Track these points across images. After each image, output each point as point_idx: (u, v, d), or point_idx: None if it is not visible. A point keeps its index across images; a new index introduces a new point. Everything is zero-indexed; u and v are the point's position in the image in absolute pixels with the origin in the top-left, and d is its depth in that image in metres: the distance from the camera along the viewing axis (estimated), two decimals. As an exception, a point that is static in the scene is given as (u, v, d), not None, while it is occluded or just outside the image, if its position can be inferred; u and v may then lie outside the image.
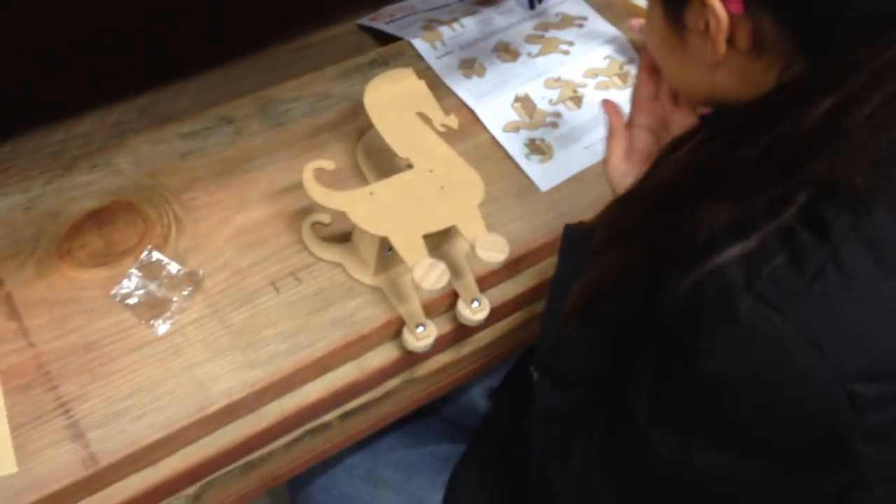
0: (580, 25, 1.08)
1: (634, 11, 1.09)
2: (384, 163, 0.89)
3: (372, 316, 0.80)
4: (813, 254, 0.50)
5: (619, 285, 0.62)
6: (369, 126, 0.87)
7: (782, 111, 0.51)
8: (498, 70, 1.01)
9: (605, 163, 0.76)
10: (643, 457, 0.59)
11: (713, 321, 0.52)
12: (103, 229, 0.82)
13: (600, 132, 0.97)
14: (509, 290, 0.88)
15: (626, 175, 0.73)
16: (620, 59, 1.05)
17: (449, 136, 0.85)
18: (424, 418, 1.03)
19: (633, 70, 1.04)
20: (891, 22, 0.48)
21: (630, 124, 0.76)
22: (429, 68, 1.00)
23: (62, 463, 0.68)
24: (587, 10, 1.09)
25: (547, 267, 0.90)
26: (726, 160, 0.54)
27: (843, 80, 0.49)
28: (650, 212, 0.59)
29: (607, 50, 1.06)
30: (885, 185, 0.51)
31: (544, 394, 0.74)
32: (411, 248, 0.75)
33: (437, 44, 1.03)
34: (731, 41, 0.55)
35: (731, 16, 0.53)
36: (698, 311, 0.52)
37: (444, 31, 1.04)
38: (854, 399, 0.49)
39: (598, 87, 1.01)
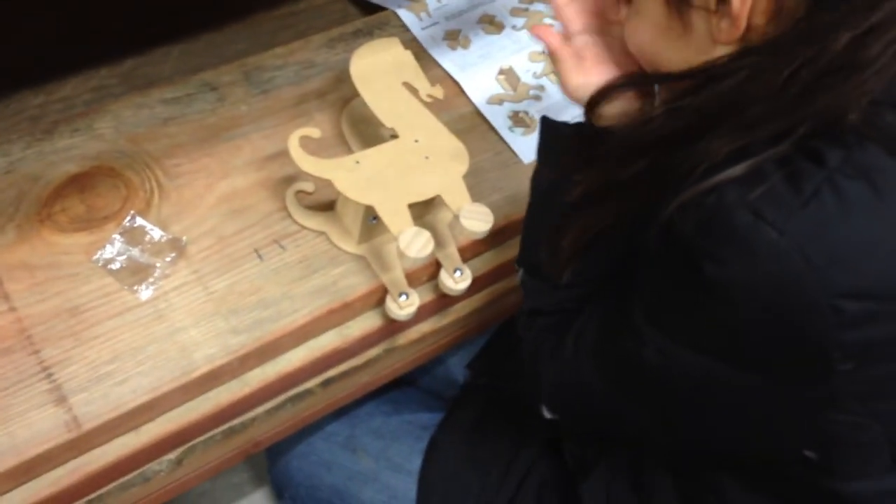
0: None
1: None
2: (369, 132, 0.89)
3: (355, 284, 0.80)
4: (809, 176, 0.51)
5: (616, 227, 0.63)
6: (354, 95, 0.87)
7: (799, 47, 0.52)
8: (483, 42, 1.01)
9: (562, 87, 0.74)
10: (633, 348, 0.61)
11: (710, 233, 0.53)
12: (85, 194, 0.81)
13: (583, 106, 0.97)
14: (491, 260, 0.89)
15: (586, 87, 0.70)
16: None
17: (433, 107, 0.85)
18: (403, 387, 1.04)
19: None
20: None
21: (567, 37, 0.74)
22: (414, 39, 1.00)
23: (45, 427, 0.68)
24: None
25: (528, 239, 0.91)
26: (740, 96, 0.54)
27: (862, 15, 0.50)
28: (653, 157, 0.60)
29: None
30: (877, 122, 0.53)
31: (534, 293, 0.76)
32: (396, 217, 0.75)
33: (423, 14, 1.02)
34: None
35: None
36: (697, 224, 0.54)
37: (430, 1, 1.04)
38: (837, 314, 0.51)
39: None
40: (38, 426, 0.68)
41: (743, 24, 0.55)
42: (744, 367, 0.57)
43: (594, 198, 0.64)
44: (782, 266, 0.51)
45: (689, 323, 0.58)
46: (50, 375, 0.71)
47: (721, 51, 0.57)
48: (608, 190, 0.63)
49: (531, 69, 1.00)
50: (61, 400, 0.70)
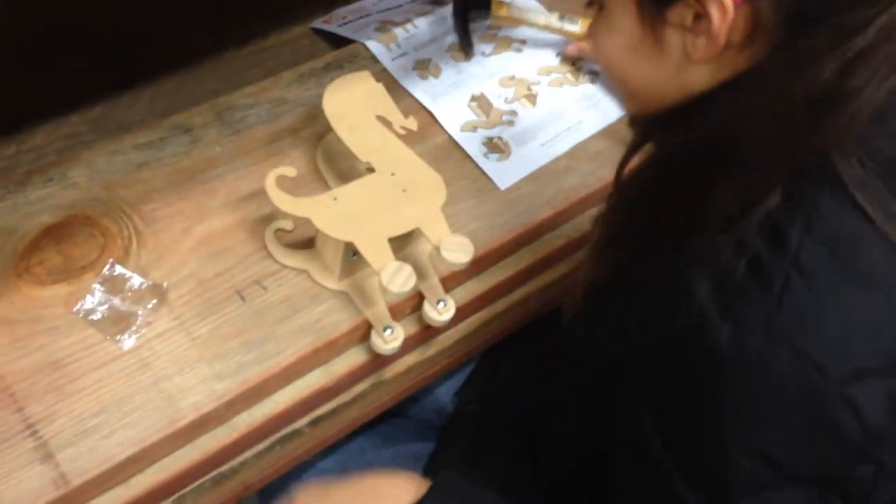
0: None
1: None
2: (345, 167, 0.89)
3: (339, 321, 0.80)
4: (775, 266, 0.51)
5: (618, 286, 0.63)
6: (327, 130, 0.87)
7: (782, 79, 0.51)
8: (453, 70, 1.02)
9: None
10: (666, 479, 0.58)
11: (700, 361, 0.52)
12: (61, 244, 0.80)
13: (556, 128, 0.98)
14: (473, 288, 0.89)
15: None
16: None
17: (408, 137, 0.86)
18: (393, 419, 1.04)
19: (584, 66, 1.05)
20: None
21: None
22: (384, 70, 1.01)
23: (33, 485, 0.67)
24: (538, 9, 1.10)
25: (509, 264, 0.91)
26: (727, 136, 0.54)
27: (846, 41, 0.49)
28: (641, 210, 0.60)
29: (559, 47, 1.07)
30: (863, 147, 0.53)
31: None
32: (377, 252, 0.75)
33: (392, 45, 1.03)
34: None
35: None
36: (685, 354, 0.53)
37: (398, 32, 1.04)
38: (853, 403, 0.50)
39: (552, 83, 1.03)
40: (26, 485, 0.67)
41: (722, 42, 0.53)
42: (793, 482, 0.53)
43: (601, 244, 0.64)
44: (778, 372, 0.50)
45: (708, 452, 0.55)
46: (35, 432, 0.70)
47: (697, 70, 0.57)
48: (615, 239, 0.63)
49: (503, 94, 1.01)
50: (48, 457, 0.69)
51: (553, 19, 1.04)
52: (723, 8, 0.51)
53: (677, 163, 0.57)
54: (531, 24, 1.05)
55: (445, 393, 1.05)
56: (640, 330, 0.59)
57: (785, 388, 0.50)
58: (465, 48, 1.02)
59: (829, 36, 0.49)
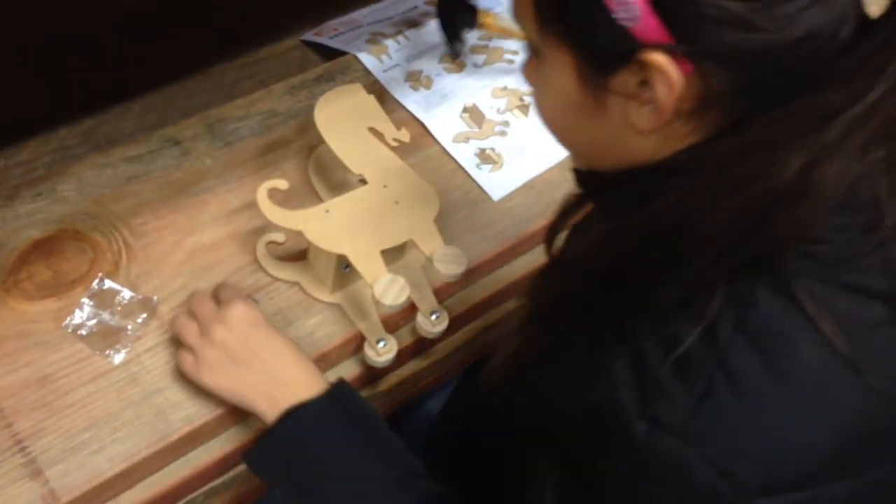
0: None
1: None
2: (337, 178, 0.89)
3: (331, 333, 0.79)
4: (699, 364, 0.47)
5: (540, 362, 0.60)
6: (319, 142, 0.87)
7: (737, 168, 0.47)
8: (445, 81, 1.02)
9: None
10: None
11: (611, 447, 0.50)
12: (51, 259, 0.80)
13: (549, 139, 0.97)
14: (466, 299, 0.88)
15: None
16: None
17: (400, 149, 0.85)
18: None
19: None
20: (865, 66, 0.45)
21: None
22: (376, 82, 1.00)
23: (22, 502, 0.66)
24: None
25: (503, 275, 0.91)
26: (670, 225, 0.49)
27: (814, 131, 0.45)
28: (576, 290, 0.57)
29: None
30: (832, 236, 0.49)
31: None
32: (370, 265, 0.75)
33: (384, 57, 1.03)
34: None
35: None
36: (595, 434, 0.51)
37: (390, 44, 1.04)
38: None
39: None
40: (15, 502, 0.66)
41: (668, 115, 0.49)
42: None
43: (528, 319, 0.61)
44: (690, 476, 0.47)
45: None
46: (24, 449, 0.69)
47: (641, 138, 0.52)
48: (541, 315, 0.60)
49: (495, 105, 1.01)
50: (37, 473, 0.68)
51: None
52: (669, 81, 0.47)
53: (619, 243, 0.53)
54: (514, 35, 1.05)
55: (436, 405, 1.05)
56: (552, 396, 0.56)
57: (698, 490, 0.47)
58: (453, 52, 1.02)
59: (796, 123, 0.46)
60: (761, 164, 0.46)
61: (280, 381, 0.69)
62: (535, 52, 0.55)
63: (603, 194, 0.60)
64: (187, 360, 0.71)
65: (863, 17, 0.48)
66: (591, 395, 0.51)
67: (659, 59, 0.46)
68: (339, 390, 0.70)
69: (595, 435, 0.51)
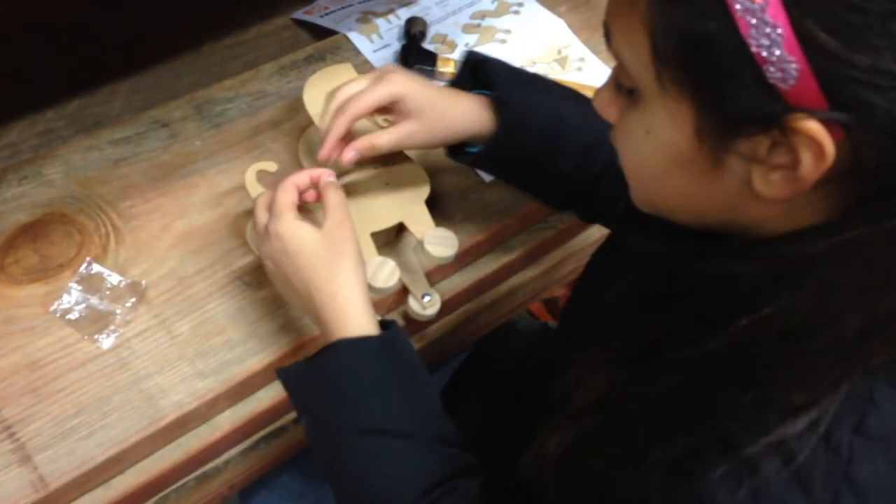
0: (516, 12, 1.07)
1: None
2: (327, 160, 0.87)
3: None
4: (824, 476, 0.42)
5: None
6: (309, 123, 0.86)
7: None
8: (436, 61, 1.00)
9: None
10: None
11: None
12: (37, 243, 0.79)
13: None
14: (459, 281, 0.88)
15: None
16: (558, 44, 1.05)
17: (391, 130, 0.84)
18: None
19: (570, 55, 1.04)
20: None
21: None
22: (366, 62, 0.99)
23: (11, 488, 0.66)
24: None
25: (495, 257, 0.90)
26: (803, 325, 0.43)
27: None
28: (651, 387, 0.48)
29: (544, 36, 1.05)
30: None
31: None
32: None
33: (374, 37, 1.01)
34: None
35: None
36: None
37: (381, 23, 1.03)
38: None
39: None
40: (3, 488, 0.66)
41: (809, 186, 0.42)
42: None
43: (593, 406, 0.52)
44: None
45: None
46: (12, 435, 0.68)
47: (759, 204, 0.45)
48: (610, 406, 0.51)
49: (487, 85, 0.99)
50: (26, 459, 0.67)
51: None
52: (821, 153, 0.40)
53: (721, 338, 0.44)
54: None
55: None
56: (625, 497, 0.48)
57: None
58: None
59: None
60: None
61: (323, 312, 0.66)
62: (632, 91, 0.48)
63: (694, 266, 0.51)
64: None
65: None
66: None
67: (812, 127, 0.40)
68: (391, 335, 0.66)
69: None
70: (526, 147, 0.76)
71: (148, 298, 0.77)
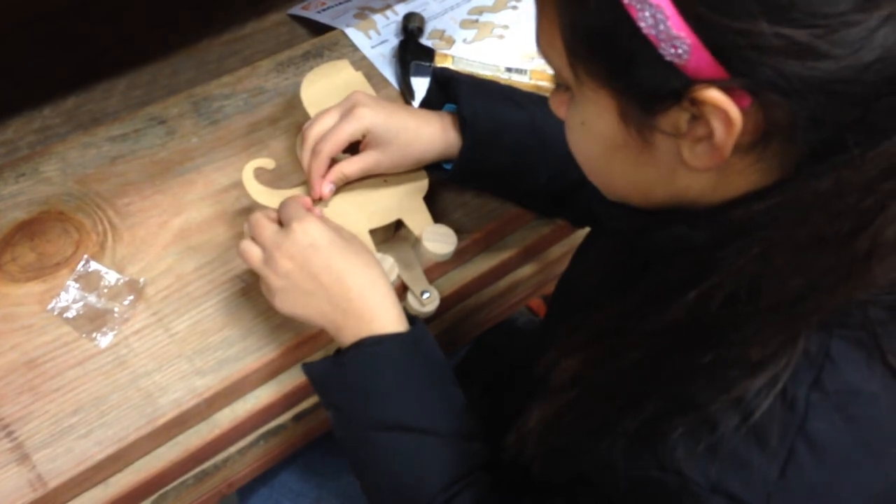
0: (514, 7, 1.07)
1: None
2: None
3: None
4: (780, 431, 0.44)
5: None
6: (307, 120, 0.86)
7: (836, 222, 0.42)
8: (434, 57, 1.00)
9: None
10: None
11: None
12: (35, 241, 0.79)
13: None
14: (457, 279, 0.88)
15: None
16: (556, 40, 1.05)
17: (389, 127, 0.84)
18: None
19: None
20: None
21: None
22: (364, 58, 0.99)
23: (9, 487, 0.65)
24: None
25: (494, 253, 0.90)
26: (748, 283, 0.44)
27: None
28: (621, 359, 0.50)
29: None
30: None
31: None
32: (358, 245, 0.74)
33: (372, 32, 1.01)
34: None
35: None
36: (655, 497, 0.47)
37: (378, 19, 1.02)
38: None
39: (535, 70, 1.01)
40: (2, 487, 0.66)
41: (727, 153, 0.44)
42: None
43: (570, 382, 0.54)
44: None
45: None
46: (10, 433, 0.68)
47: (694, 175, 0.48)
48: (585, 378, 0.53)
49: (485, 81, 0.99)
50: (24, 458, 0.67)
51: (500, 72, 0.99)
52: (727, 118, 0.42)
53: (685, 301, 0.46)
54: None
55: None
56: (604, 469, 0.51)
57: None
58: (407, 97, 0.96)
59: (876, 165, 0.41)
60: (860, 213, 0.41)
61: (351, 307, 0.66)
62: (565, 88, 0.52)
63: (651, 237, 0.53)
64: (261, 286, 0.70)
65: None
66: (650, 471, 0.46)
67: (714, 95, 0.42)
68: (417, 333, 0.67)
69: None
70: (495, 162, 0.78)
71: (146, 296, 0.76)
